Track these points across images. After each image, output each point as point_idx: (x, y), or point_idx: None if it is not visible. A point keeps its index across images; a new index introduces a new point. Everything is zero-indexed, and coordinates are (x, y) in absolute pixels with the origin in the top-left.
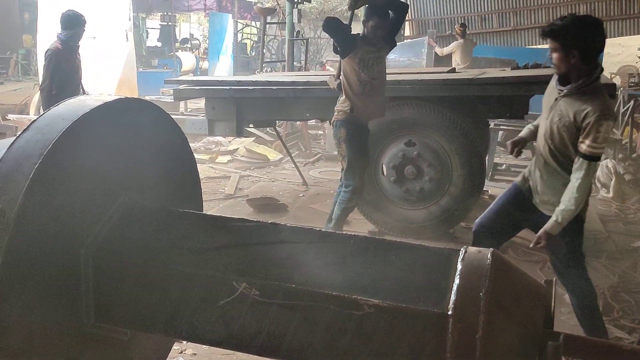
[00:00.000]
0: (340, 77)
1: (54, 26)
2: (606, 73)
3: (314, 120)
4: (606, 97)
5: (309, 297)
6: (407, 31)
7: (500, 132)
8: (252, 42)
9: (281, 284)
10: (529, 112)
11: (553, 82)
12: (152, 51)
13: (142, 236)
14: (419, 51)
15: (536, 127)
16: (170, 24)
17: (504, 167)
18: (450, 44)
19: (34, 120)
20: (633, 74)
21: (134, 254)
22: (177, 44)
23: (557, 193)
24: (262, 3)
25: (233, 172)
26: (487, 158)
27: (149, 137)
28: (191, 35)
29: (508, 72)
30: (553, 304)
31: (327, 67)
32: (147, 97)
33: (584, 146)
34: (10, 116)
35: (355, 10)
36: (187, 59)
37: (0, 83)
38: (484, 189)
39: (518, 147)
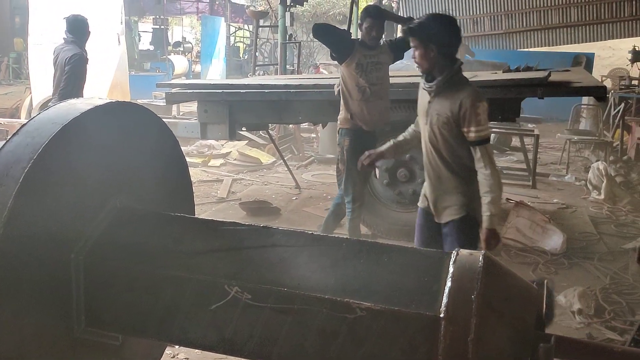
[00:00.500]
0: (340, 83)
1: (44, 30)
2: (597, 76)
3: (306, 124)
4: (472, 84)
5: (301, 300)
6: (399, 34)
7: (493, 135)
8: (244, 45)
9: (273, 287)
10: (521, 115)
11: (421, 86)
12: (144, 54)
13: (133, 240)
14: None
15: (399, 142)
16: (162, 27)
17: None
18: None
19: (24, 124)
20: (623, 77)
21: (125, 258)
22: (170, 48)
23: (453, 195)
24: (254, 6)
25: (226, 176)
26: None
27: (140, 140)
28: (184, 38)
29: (500, 75)
30: (544, 305)
31: (321, 70)
32: (139, 101)
33: (471, 134)
34: (1, 120)
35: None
36: (180, 63)
37: None
38: None
39: (372, 160)
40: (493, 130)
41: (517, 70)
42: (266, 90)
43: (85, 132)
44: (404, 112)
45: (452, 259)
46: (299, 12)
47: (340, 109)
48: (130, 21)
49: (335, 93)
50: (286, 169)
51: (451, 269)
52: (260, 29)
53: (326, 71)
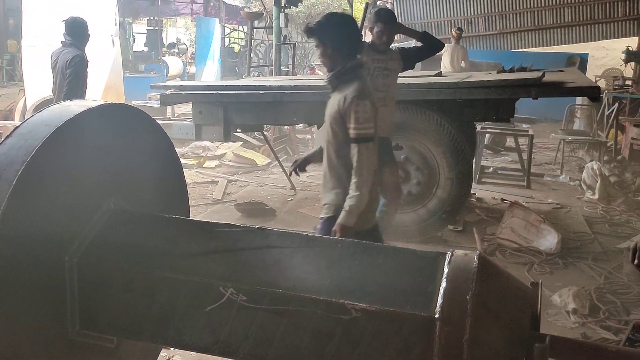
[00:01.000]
0: None
1: (38, 31)
2: (590, 76)
3: (301, 125)
4: (364, 82)
5: (296, 302)
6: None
7: (487, 135)
8: (239, 46)
9: (268, 289)
10: (515, 115)
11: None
12: (138, 56)
13: (128, 242)
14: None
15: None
16: (157, 28)
17: (491, 170)
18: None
19: (17, 127)
20: (617, 77)
21: (120, 260)
22: (164, 49)
23: (330, 193)
24: (249, 7)
25: (221, 177)
26: (474, 161)
27: (134, 142)
28: (178, 39)
29: (494, 76)
30: (539, 306)
31: (317, 71)
32: (133, 102)
33: (351, 130)
34: None
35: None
36: (174, 64)
37: None
38: (471, 192)
39: (298, 166)
40: (488, 130)
41: (512, 70)
42: (261, 92)
43: (79, 134)
44: (398, 113)
45: (447, 259)
46: (293, 14)
47: None
48: (124, 22)
49: None
50: (281, 170)
51: (446, 270)
52: (255, 30)
53: (321, 72)
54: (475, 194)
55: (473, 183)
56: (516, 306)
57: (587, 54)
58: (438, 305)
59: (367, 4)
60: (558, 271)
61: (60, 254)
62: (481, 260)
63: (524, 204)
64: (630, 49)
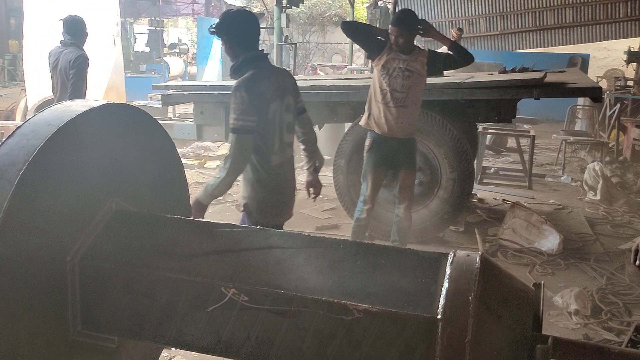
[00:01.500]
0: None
1: (39, 32)
2: (592, 76)
3: None
4: (255, 75)
5: (298, 302)
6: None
7: (489, 136)
8: None
9: (270, 289)
10: (517, 116)
11: None
12: (140, 56)
13: (129, 242)
14: None
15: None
16: (158, 28)
17: (492, 170)
18: (439, 48)
19: (19, 127)
20: (619, 78)
21: (121, 260)
22: (165, 49)
23: (242, 183)
24: (250, 8)
25: None
26: (475, 162)
27: (136, 142)
28: (179, 40)
29: (496, 76)
30: (542, 307)
31: (318, 72)
32: (135, 103)
33: (229, 121)
34: None
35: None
36: (175, 64)
37: None
38: (473, 192)
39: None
40: (489, 131)
41: (513, 71)
42: None
43: (81, 134)
44: None
45: (449, 260)
46: (294, 14)
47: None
48: (125, 23)
49: None
50: None
51: (448, 271)
52: None
53: (323, 72)
54: (476, 194)
55: (474, 184)
56: (518, 307)
57: (588, 55)
58: (440, 306)
59: (395, 2)
60: (560, 272)
61: (62, 254)
62: (483, 261)
63: (525, 204)
64: (632, 50)
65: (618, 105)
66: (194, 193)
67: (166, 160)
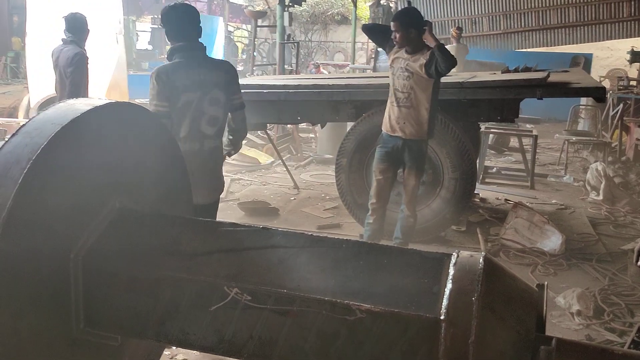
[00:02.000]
0: None
1: (42, 29)
2: (595, 76)
3: (305, 124)
4: (172, 63)
5: (301, 302)
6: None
7: (491, 136)
8: (243, 45)
9: (273, 289)
10: (519, 116)
11: None
12: (142, 54)
13: (133, 241)
14: None
15: None
16: (160, 26)
17: (494, 170)
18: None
19: (23, 125)
20: (622, 77)
21: (124, 258)
22: (168, 47)
23: None
24: (252, 6)
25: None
26: (477, 161)
27: (139, 141)
28: None
29: (499, 76)
30: (545, 307)
31: (322, 70)
32: (137, 101)
33: None
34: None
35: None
36: None
37: None
38: (475, 192)
39: None
40: (491, 130)
41: (516, 70)
42: (265, 91)
43: (84, 133)
44: None
45: (453, 260)
46: (297, 12)
47: None
48: (128, 21)
49: None
50: (284, 169)
51: (451, 271)
52: (258, 28)
53: (326, 71)
54: (478, 194)
55: (477, 183)
56: (522, 308)
57: (591, 55)
58: (443, 306)
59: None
60: (562, 272)
61: (65, 252)
62: (487, 262)
63: (527, 204)
64: (635, 50)
65: (621, 105)
66: None
67: (169, 158)
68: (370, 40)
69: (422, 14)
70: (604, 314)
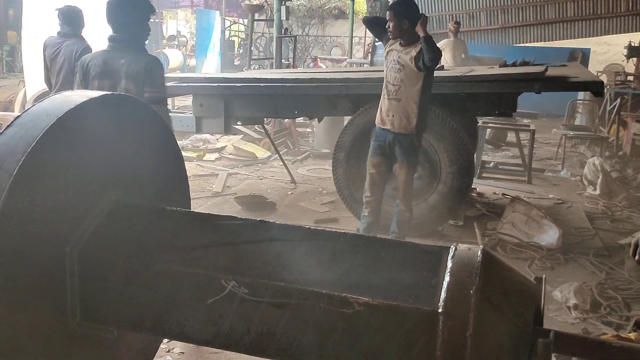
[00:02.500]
0: None
1: (38, 22)
2: (592, 71)
3: (302, 118)
4: (97, 51)
5: (298, 295)
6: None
7: (489, 130)
8: (239, 39)
9: (270, 282)
10: (517, 110)
11: None
12: None
13: (129, 234)
14: None
15: None
16: (157, 20)
17: (492, 164)
18: (440, 41)
19: (18, 117)
20: (619, 72)
21: (121, 251)
22: (164, 41)
23: None
24: (249, 0)
25: (221, 170)
26: (475, 156)
27: (135, 133)
28: (178, 32)
29: (496, 70)
30: (543, 300)
31: (319, 64)
32: None
33: None
34: None
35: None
36: (174, 56)
37: None
38: (472, 186)
39: None
40: (489, 125)
41: (514, 65)
42: (262, 85)
43: (80, 125)
44: None
45: (451, 253)
46: (294, 6)
47: None
48: None
49: None
50: (282, 163)
51: (449, 264)
52: (255, 22)
53: (324, 65)
54: (476, 188)
55: (474, 178)
56: (520, 301)
57: (589, 49)
58: (441, 299)
59: None
60: (559, 267)
61: (61, 245)
62: (485, 255)
63: (525, 199)
64: (633, 45)
65: (618, 100)
66: (194, 186)
67: (166, 151)
68: (367, 35)
69: (420, 8)
70: (601, 307)
